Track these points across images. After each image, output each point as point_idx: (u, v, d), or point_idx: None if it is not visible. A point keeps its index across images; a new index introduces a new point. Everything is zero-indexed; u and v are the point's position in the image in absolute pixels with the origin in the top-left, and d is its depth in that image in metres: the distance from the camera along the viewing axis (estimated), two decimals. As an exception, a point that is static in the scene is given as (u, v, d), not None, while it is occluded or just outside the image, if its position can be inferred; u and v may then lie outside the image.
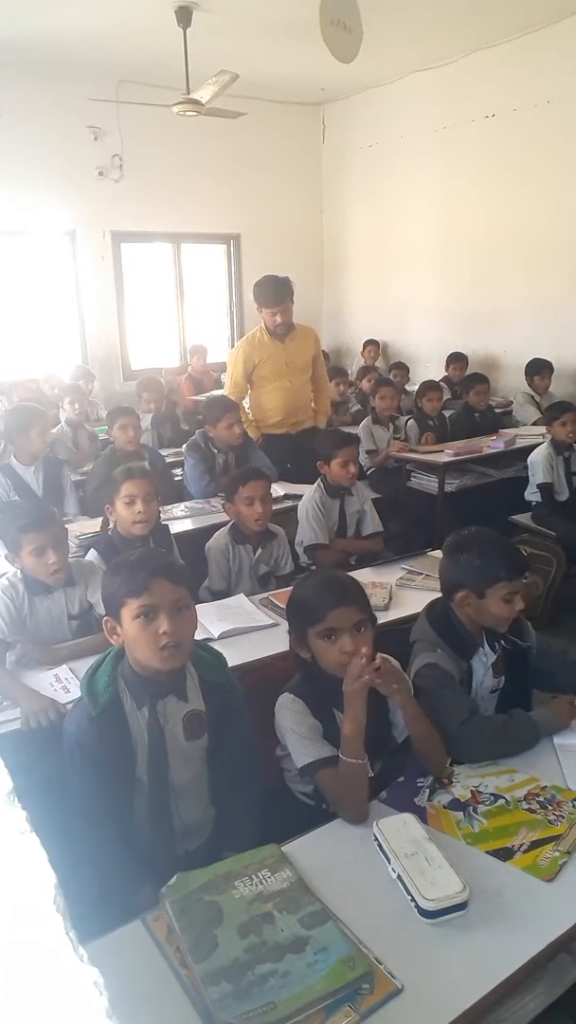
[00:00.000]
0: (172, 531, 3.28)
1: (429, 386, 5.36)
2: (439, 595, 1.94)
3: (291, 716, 1.62)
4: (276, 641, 2.24)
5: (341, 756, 1.51)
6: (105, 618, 1.60)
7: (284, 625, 2.32)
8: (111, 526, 2.68)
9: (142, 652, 1.52)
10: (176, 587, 1.56)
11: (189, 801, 1.63)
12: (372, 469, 4.89)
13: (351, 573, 2.66)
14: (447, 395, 6.01)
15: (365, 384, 6.25)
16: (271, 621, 2.36)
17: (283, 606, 2.43)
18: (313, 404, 4.40)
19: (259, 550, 2.88)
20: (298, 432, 4.29)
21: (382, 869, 1.31)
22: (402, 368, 6.69)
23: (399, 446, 4.88)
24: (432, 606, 1.93)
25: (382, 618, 2.36)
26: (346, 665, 1.56)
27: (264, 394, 4.23)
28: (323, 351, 7.41)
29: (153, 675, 1.56)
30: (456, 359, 6.39)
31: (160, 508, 3.44)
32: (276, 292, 4.00)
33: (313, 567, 3.03)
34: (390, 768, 1.67)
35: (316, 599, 1.65)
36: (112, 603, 1.57)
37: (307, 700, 1.63)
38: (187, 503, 3.78)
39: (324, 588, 1.67)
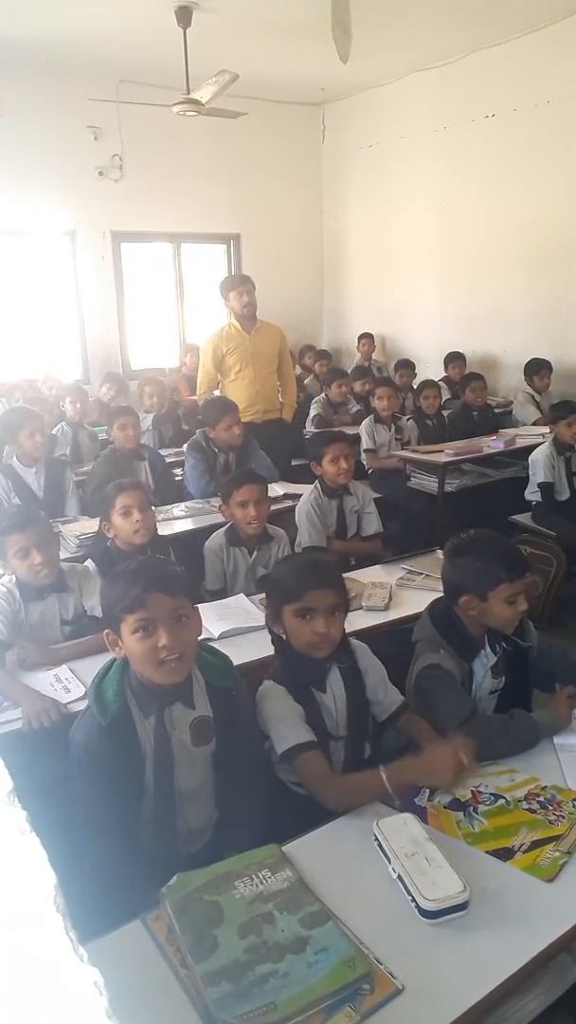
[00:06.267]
0: (172, 531, 3.29)
1: (426, 385, 5.36)
2: (440, 595, 1.94)
3: (272, 702, 1.64)
4: (276, 641, 2.24)
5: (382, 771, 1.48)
6: (106, 631, 1.58)
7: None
8: (108, 542, 2.68)
9: (143, 666, 1.51)
10: (173, 598, 1.52)
11: (195, 805, 1.62)
12: (372, 469, 4.89)
13: (351, 574, 2.68)
14: (447, 395, 5.99)
15: (358, 386, 6.08)
16: (271, 621, 2.36)
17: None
18: (281, 397, 4.78)
19: (256, 553, 2.86)
20: (263, 422, 4.58)
21: (382, 869, 1.31)
22: (408, 367, 6.41)
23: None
24: (434, 606, 1.93)
25: (382, 618, 2.37)
26: (316, 644, 1.64)
27: (231, 383, 4.57)
28: (323, 350, 7.50)
29: (158, 684, 1.54)
30: (455, 359, 6.35)
31: (160, 508, 3.45)
32: (237, 277, 4.63)
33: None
34: (381, 750, 1.68)
35: (296, 579, 1.68)
36: (112, 617, 1.56)
37: (288, 685, 1.65)
38: (187, 503, 3.77)
39: (305, 569, 1.72)
